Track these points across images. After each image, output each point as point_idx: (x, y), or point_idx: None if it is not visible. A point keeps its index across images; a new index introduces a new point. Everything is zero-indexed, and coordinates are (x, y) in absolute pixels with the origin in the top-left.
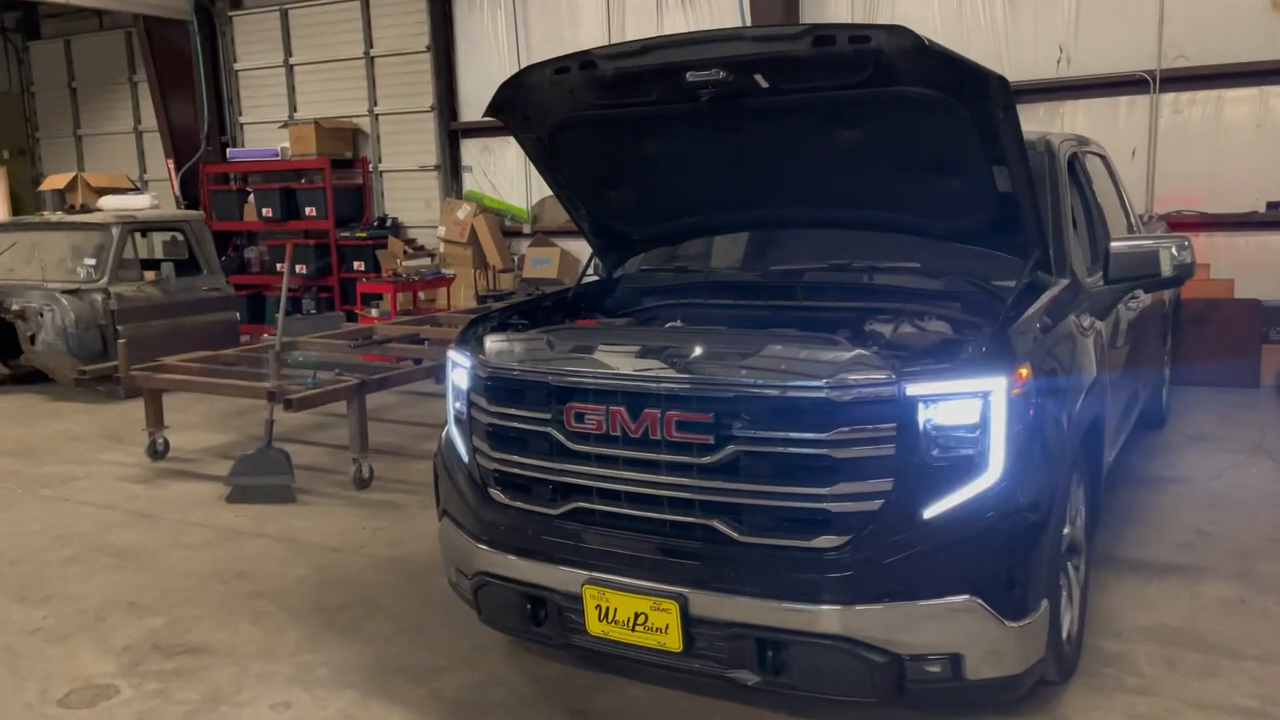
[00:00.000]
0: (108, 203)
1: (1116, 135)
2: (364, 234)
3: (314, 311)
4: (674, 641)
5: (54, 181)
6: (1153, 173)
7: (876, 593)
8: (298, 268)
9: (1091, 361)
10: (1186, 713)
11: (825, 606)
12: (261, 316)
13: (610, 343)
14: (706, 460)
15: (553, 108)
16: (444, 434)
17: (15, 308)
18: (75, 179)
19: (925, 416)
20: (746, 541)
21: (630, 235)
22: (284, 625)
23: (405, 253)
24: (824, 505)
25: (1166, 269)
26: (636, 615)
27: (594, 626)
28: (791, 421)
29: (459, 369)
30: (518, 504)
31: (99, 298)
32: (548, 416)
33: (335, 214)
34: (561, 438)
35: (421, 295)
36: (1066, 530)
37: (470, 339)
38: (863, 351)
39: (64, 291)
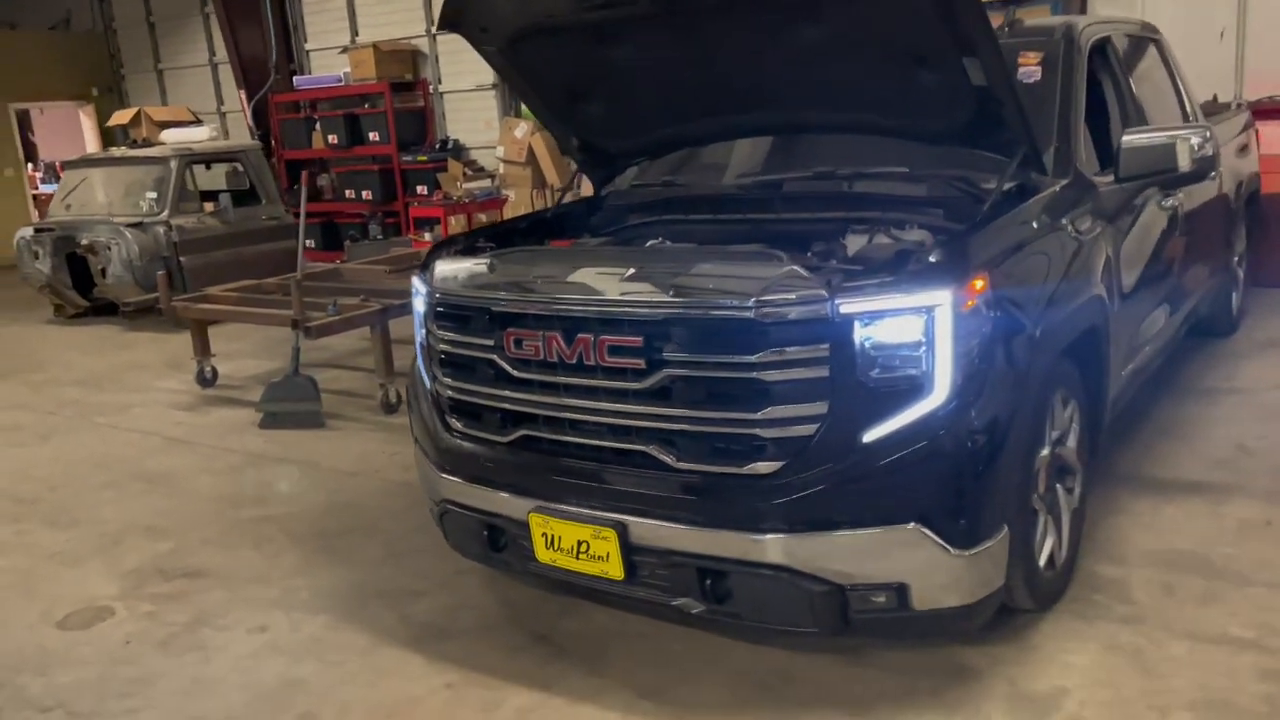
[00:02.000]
0: (169, 136)
1: (1202, 16)
2: (424, 157)
3: (380, 237)
4: (615, 569)
5: (119, 117)
6: (1242, 55)
7: (814, 521)
8: (364, 194)
9: (1090, 269)
10: (1170, 644)
11: (761, 535)
12: (336, 243)
13: (551, 265)
14: (639, 385)
15: (508, 17)
16: (413, 361)
17: (85, 242)
18: (138, 114)
19: (862, 335)
20: (682, 468)
21: (610, 150)
22: (283, 550)
23: (465, 175)
24: (756, 431)
25: (1184, 163)
26: (579, 543)
27: (542, 554)
28: (719, 344)
29: (418, 295)
30: (472, 432)
31: (161, 230)
32: (491, 343)
33: (397, 138)
34: (504, 364)
35: (483, 217)
36: (1044, 452)
37: (429, 263)
38: (793, 268)
39: (128, 225)
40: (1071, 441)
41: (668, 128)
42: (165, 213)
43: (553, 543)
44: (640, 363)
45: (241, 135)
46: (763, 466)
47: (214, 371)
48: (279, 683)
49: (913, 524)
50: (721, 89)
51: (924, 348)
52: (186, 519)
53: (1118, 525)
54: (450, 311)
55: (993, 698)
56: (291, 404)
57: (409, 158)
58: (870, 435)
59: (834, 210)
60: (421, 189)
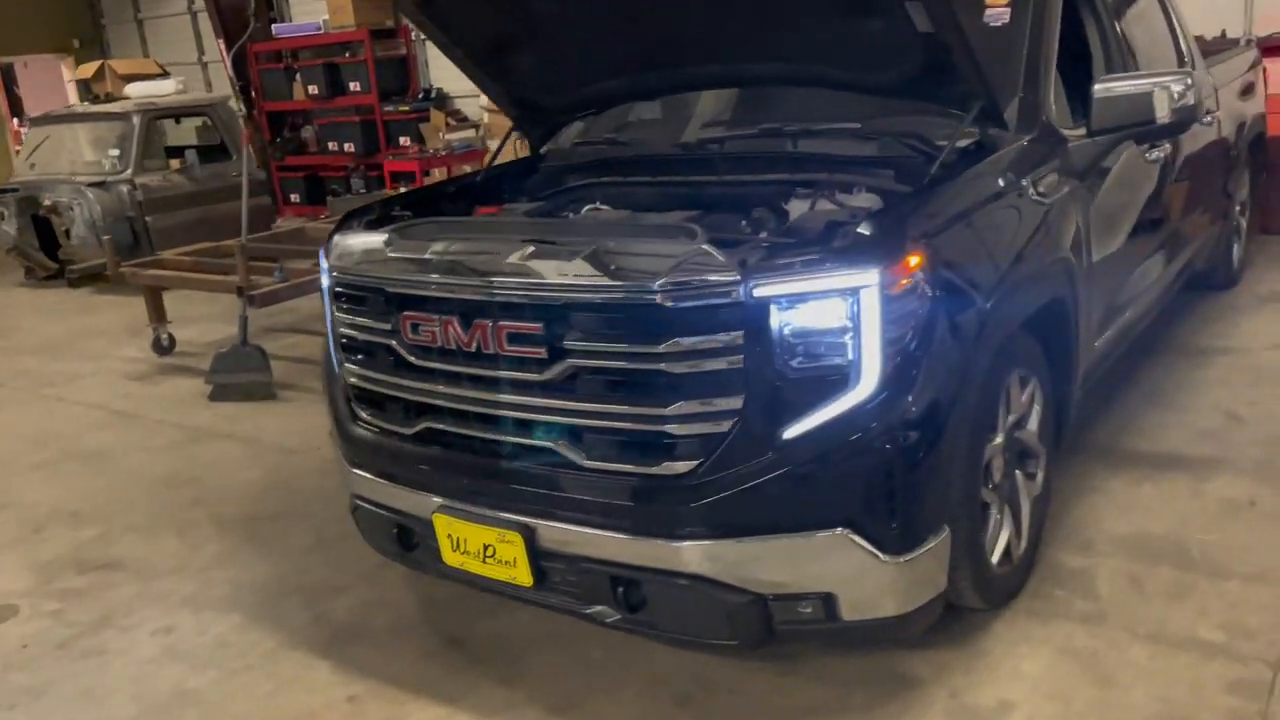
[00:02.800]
0: (133, 90)
1: None
2: (406, 107)
3: (363, 191)
4: (524, 576)
5: (82, 71)
6: None
7: (730, 526)
8: (346, 146)
9: (1056, 234)
10: (1131, 647)
11: (673, 541)
12: (319, 198)
13: (451, 241)
14: (541, 376)
15: None
16: (324, 344)
17: (47, 203)
18: (102, 67)
19: (779, 321)
20: (591, 468)
21: (545, 105)
22: (207, 538)
23: (448, 125)
24: (666, 427)
25: (1163, 113)
26: (485, 547)
27: (449, 557)
28: (622, 332)
29: (321, 272)
30: (378, 423)
31: (124, 189)
32: (388, 327)
33: (379, 87)
34: (403, 351)
35: (468, 169)
36: (997, 440)
37: (331, 237)
38: (703, 246)
39: (90, 184)
40: (1032, 424)
41: (603, 81)
42: (129, 171)
43: (458, 545)
44: (541, 351)
45: (224, 87)
46: (675, 466)
47: (171, 339)
48: (172, 694)
49: (838, 529)
50: (659, 40)
51: (848, 334)
52: (115, 502)
53: (1090, 507)
54: (347, 292)
55: (930, 712)
56: (240, 375)
57: (391, 108)
58: (791, 432)
59: (779, 172)
60: (405, 140)
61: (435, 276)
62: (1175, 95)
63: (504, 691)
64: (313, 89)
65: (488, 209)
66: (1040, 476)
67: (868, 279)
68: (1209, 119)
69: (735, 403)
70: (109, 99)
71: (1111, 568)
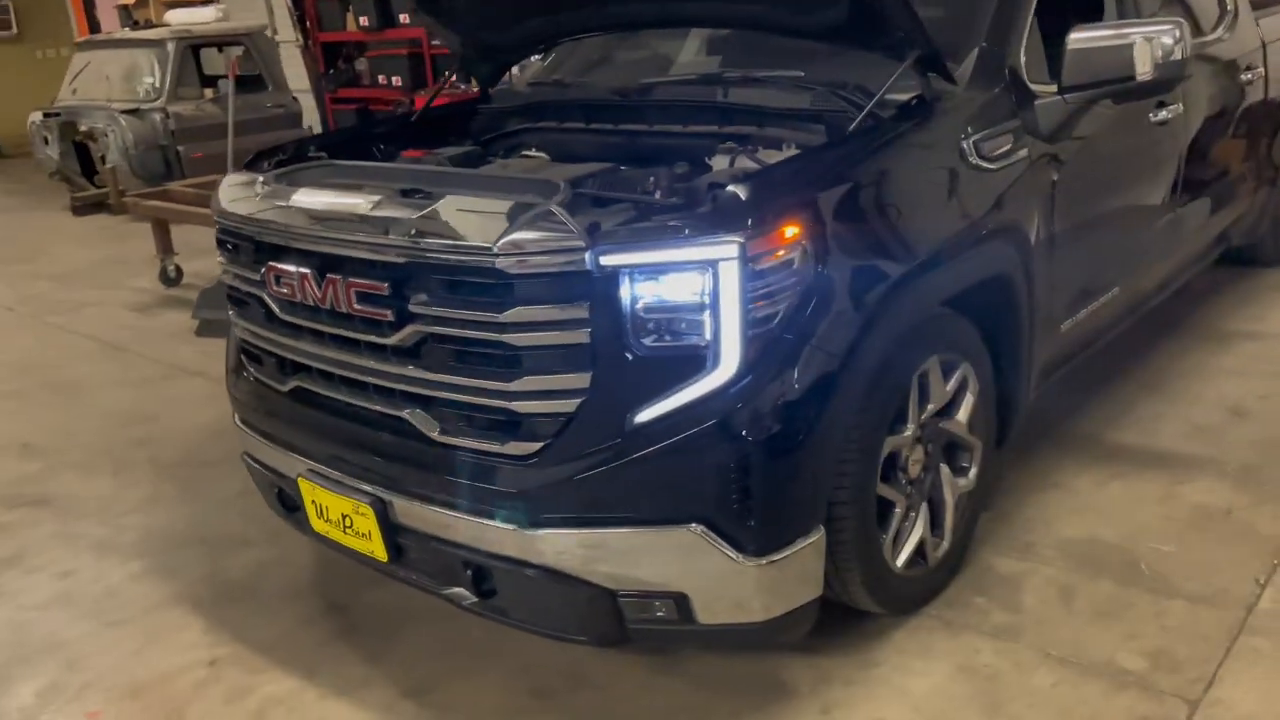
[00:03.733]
0: (173, 17)
1: None
2: None
3: None
4: (379, 550)
5: None
6: None
7: (573, 514)
8: (394, 80)
9: (1002, 201)
10: (1037, 670)
11: (518, 527)
12: None
13: (322, 187)
14: (389, 340)
15: None
16: None
17: (84, 128)
18: None
19: (630, 294)
20: (443, 442)
21: (489, 43)
22: (140, 479)
23: None
24: (510, 404)
25: (1144, 69)
26: (344, 516)
27: (315, 523)
28: (464, 297)
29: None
30: (260, 378)
31: (158, 117)
32: (258, 277)
33: None
34: (270, 302)
35: None
36: (907, 431)
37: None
38: (550, 206)
39: (124, 111)
40: (962, 415)
41: (543, 18)
42: (162, 99)
43: (322, 512)
44: (388, 313)
45: (284, 17)
46: (520, 447)
47: (178, 270)
48: (43, 643)
49: (691, 525)
50: None
51: (706, 312)
52: (68, 437)
53: (1044, 505)
54: (225, 238)
55: None
56: (223, 311)
57: (439, 41)
58: (643, 416)
59: (708, 123)
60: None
61: (291, 226)
62: (1162, 49)
63: (364, 668)
64: (364, 20)
65: (414, 152)
66: (974, 472)
67: (726, 250)
68: (1249, 76)
69: (582, 381)
70: (149, 25)
71: (1045, 576)
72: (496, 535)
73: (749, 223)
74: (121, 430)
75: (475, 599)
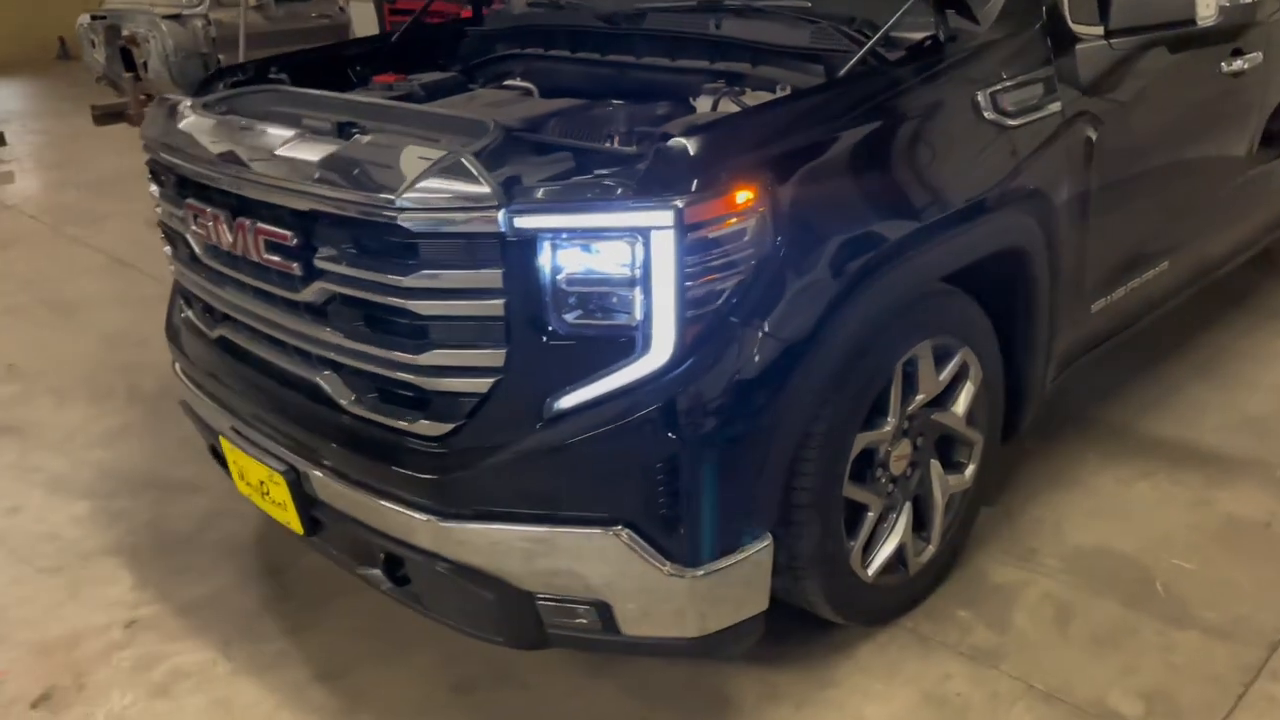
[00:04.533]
0: None
1: None
2: None
3: None
4: (294, 522)
5: None
6: None
7: (484, 506)
8: None
9: (1023, 162)
10: (1014, 705)
11: (427, 515)
12: None
13: (251, 115)
14: (298, 296)
15: None
16: None
17: (127, 33)
18: None
19: (550, 263)
20: (355, 413)
21: None
22: (112, 411)
23: None
24: (418, 379)
25: (1207, 12)
26: (261, 482)
27: (239, 485)
28: (369, 255)
29: None
30: (192, 322)
31: (199, 24)
32: (179, 212)
33: None
34: (193, 243)
35: None
36: (886, 426)
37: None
38: (458, 155)
39: (166, 16)
40: (959, 406)
41: None
42: (204, 6)
43: (242, 475)
44: (295, 266)
45: None
46: (431, 426)
47: None
48: None
49: (613, 528)
50: None
51: (635, 287)
52: (53, 359)
53: (1057, 505)
54: (152, 166)
55: None
56: None
57: None
58: (563, 402)
59: (698, 59)
60: None
61: (201, 160)
62: None
63: (284, 643)
64: None
65: (387, 77)
66: (971, 469)
67: (658, 217)
68: None
69: (496, 359)
70: None
71: (1043, 590)
72: (405, 522)
73: (690, 185)
74: (109, 355)
75: (390, 585)
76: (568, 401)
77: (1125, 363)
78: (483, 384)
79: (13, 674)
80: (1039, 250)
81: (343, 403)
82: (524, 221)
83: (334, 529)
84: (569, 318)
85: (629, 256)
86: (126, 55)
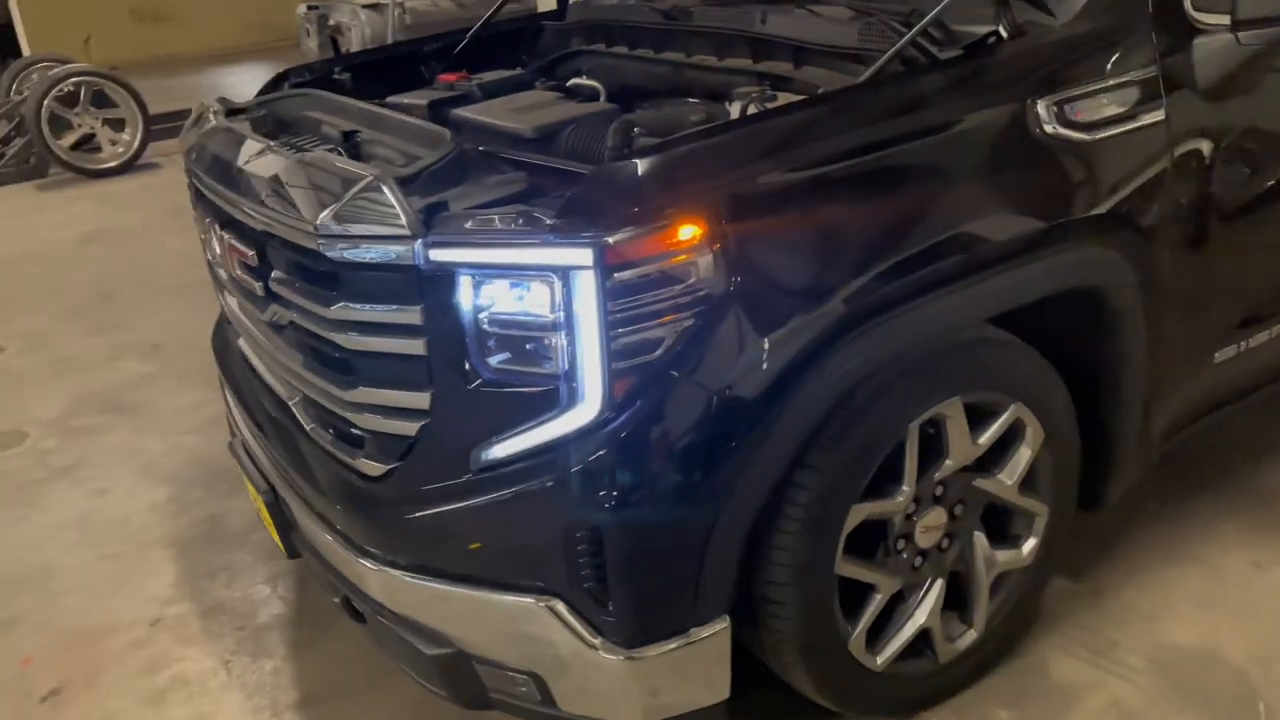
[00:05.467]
0: None
1: None
2: None
3: None
4: (279, 543)
5: None
6: None
7: (415, 558)
8: None
9: (1097, 184)
10: None
11: (362, 559)
12: None
13: (276, 123)
14: (263, 318)
15: None
16: None
17: (333, 22)
18: None
19: (471, 301)
20: (315, 440)
21: None
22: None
23: None
24: (349, 415)
25: None
26: (254, 498)
27: (251, 494)
28: (302, 281)
29: None
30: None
31: (395, 12)
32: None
33: None
34: (215, 243)
35: None
36: (900, 495)
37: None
38: (378, 178)
39: (364, 5)
40: (1011, 472)
41: None
42: None
43: (248, 488)
44: (258, 287)
45: None
46: (369, 466)
47: None
48: (37, 571)
49: (539, 597)
50: None
51: (558, 333)
52: (194, 343)
53: (1161, 586)
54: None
55: None
56: None
57: None
58: (489, 454)
59: (745, 56)
60: None
61: (203, 169)
62: None
63: (282, 660)
64: None
65: (450, 75)
66: (1031, 544)
67: (577, 256)
68: None
69: (422, 400)
70: None
71: (1111, 697)
72: (347, 560)
73: (617, 219)
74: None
75: (350, 620)
76: (494, 454)
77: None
78: (410, 427)
79: (37, 663)
80: (1126, 290)
81: (305, 427)
82: (440, 255)
83: (307, 557)
84: (493, 362)
85: (549, 298)
86: (335, 43)
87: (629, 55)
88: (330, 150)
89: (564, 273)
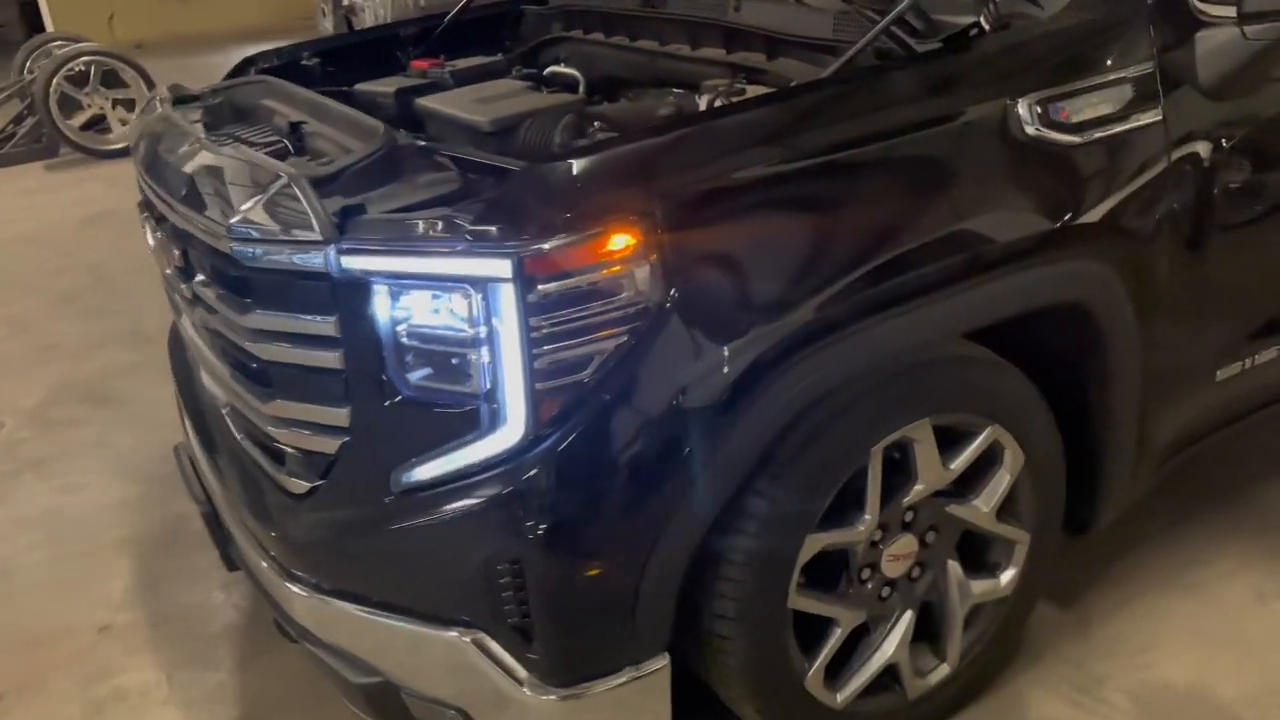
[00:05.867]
0: None
1: None
2: None
3: None
4: (221, 554)
5: None
6: None
7: (338, 581)
8: None
9: (1089, 195)
10: None
11: (286, 581)
12: None
13: (231, 111)
14: (195, 319)
15: None
16: None
17: (346, 2)
18: None
19: (388, 312)
20: (245, 452)
21: None
22: None
23: None
24: (269, 429)
25: None
26: None
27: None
28: (219, 286)
29: None
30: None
31: None
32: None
33: None
34: (150, 239)
35: None
36: (861, 525)
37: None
38: (292, 177)
39: None
40: (987, 498)
41: None
42: None
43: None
44: (185, 289)
45: None
46: (293, 483)
47: None
48: None
49: (462, 630)
50: None
51: (479, 349)
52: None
53: (1155, 617)
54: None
55: None
56: None
57: None
58: (410, 476)
59: (719, 47)
60: None
61: (138, 161)
62: None
63: (226, 675)
64: None
65: (421, 62)
66: (1010, 574)
67: (494, 267)
68: None
69: (341, 417)
70: None
71: None
72: (271, 579)
73: (538, 226)
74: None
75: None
76: (415, 476)
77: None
78: (331, 444)
79: None
80: (1116, 305)
81: (238, 439)
82: (352, 262)
83: (244, 571)
84: (412, 378)
85: (468, 312)
86: (349, 23)
87: (604, 43)
88: (276, 143)
89: (482, 285)
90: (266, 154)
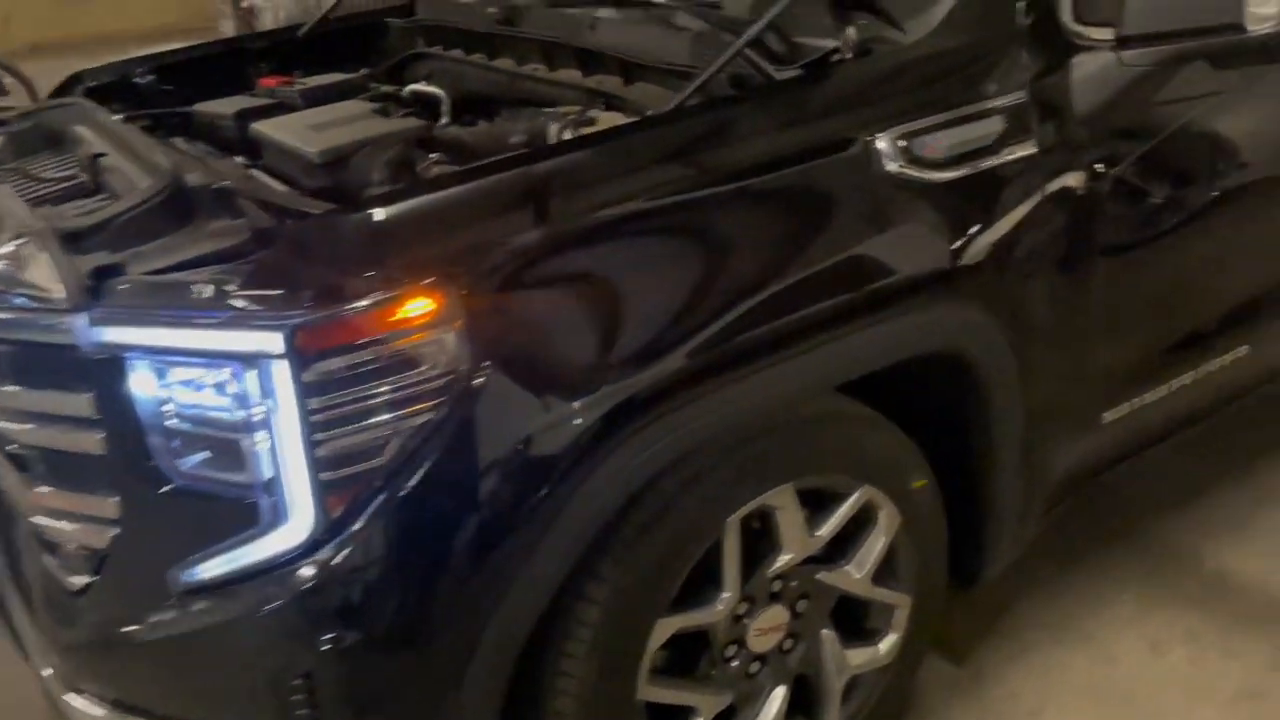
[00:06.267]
0: None
1: None
2: None
3: None
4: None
5: None
6: None
7: (119, 693)
8: None
9: (956, 236)
10: None
11: (60, 683)
12: None
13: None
14: None
15: None
16: None
17: (245, 4)
18: None
19: (151, 390)
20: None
21: None
22: None
23: None
24: (39, 518)
25: (1266, 10)
26: None
27: None
28: None
29: None
30: None
31: None
32: None
33: None
34: None
35: None
36: (720, 603)
37: None
38: (41, 230)
39: None
40: (860, 564)
41: None
42: None
43: None
44: None
45: None
46: (71, 578)
47: None
48: None
49: None
50: None
51: (251, 435)
52: None
53: (1048, 670)
54: None
55: None
56: None
57: None
58: (189, 575)
59: (575, 69)
60: None
61: None
62: None
63: None
64: None
65: (272, 80)
66: (892, 640)
67: (264, 340)
68: None
69: (110, 508)
70: None
71: None
72: (49, 681)
73: (321, 292)
74: None
75: None
76: (196, 576)
77: (1203, 445)
78: (102, 537)
79: None
80: (991, 352)
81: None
82: (110, 334)
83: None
84: (183, 465)
85: (237, 391)
86: (249, 26)
87: (464, 61)
88: (72, 179)
89: (253, 361)
90: (59, 190)
